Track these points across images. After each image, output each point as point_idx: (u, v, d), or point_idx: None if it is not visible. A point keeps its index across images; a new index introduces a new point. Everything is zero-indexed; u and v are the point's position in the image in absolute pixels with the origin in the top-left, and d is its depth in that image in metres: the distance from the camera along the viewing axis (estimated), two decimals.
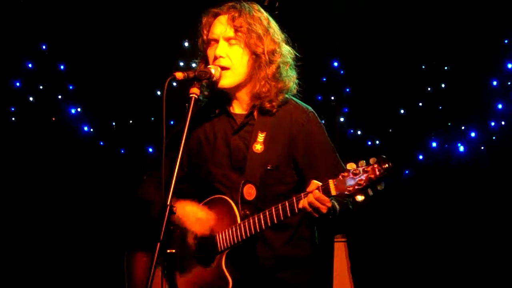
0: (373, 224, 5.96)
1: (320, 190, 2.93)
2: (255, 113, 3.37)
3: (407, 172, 5.98)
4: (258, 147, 3.30)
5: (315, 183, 2.96)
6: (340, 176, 2.88)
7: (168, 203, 2.89)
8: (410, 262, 5.83)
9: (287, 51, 3.40)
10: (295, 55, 3.44)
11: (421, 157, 5.94)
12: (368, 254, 5.93)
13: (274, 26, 3.41)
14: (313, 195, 2.94)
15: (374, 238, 5.95)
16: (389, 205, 5.95)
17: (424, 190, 5.88)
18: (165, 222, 2.86)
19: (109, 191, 6.14)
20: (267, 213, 3.10)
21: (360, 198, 2.86)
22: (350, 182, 2.84)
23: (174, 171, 2.94)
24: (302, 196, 2.99)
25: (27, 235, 6.06)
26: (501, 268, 5.59)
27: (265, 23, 3.36)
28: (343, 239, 6.03)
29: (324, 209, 2.95)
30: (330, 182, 2.90)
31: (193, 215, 3.30)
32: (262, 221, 3.11)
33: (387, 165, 2.80)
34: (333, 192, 2.90)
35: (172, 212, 2.89)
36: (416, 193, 5.90)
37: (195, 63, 3.48)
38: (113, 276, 5.97)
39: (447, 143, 5.88)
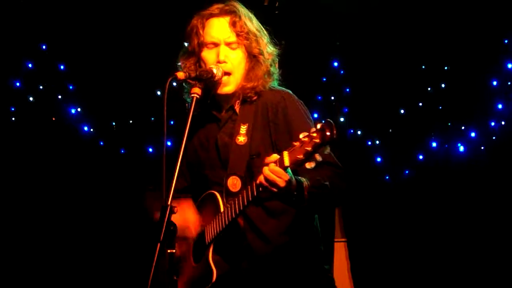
0: (373, 224, 5.97)
1: (277, 163, 2.82)
2: (236, 106, 3.38)
3: (407, 172, 5.98)
4: (241, 139, 3.28)
5: (274, 156, 2.85)
6: (293, 146, 2.77)
7: (169, 203, 2.87)
8: (410, 262, 5.83)
9: (273, 48, 3.43)
10: (276, 49, 3.45)
11: (421, 157, 5.94)
12: (368, 254, 5.93)
13: (259, 24, 3.44)
14: (268, 168, 2.84)
15: (374, 238, 5.95)
16: (389, 205, 5.96)
17: (424, 190, 5.88)
18: (165, 222, 2.85)
19: (109, 191, 6.14)
20: (240, 196, 3.06)
21: (309, 165, 2.74)
22: (301, 150, 2.73)
23: (175, 170, 2.93)
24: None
25: (27, 234, 6.05)
26: (501, 268, 5.59)
27: (255, 23, 3.41)
28: (343, 239, 6.04)
29: (281, 183, 2.82)
30: (284, 154, 2.80)
31: (190, 219, 3.33)
32: (237, 205, 3.07)
33: (329, 131, 2.65)
34: (287, 163, 2.77)
35: (172, 212, 2.88)
36: (416, 193, 5.90)
37: (184, 65, 3.44)
38: (112, 275, 6.04)
39: (447, 143, 5.88)
